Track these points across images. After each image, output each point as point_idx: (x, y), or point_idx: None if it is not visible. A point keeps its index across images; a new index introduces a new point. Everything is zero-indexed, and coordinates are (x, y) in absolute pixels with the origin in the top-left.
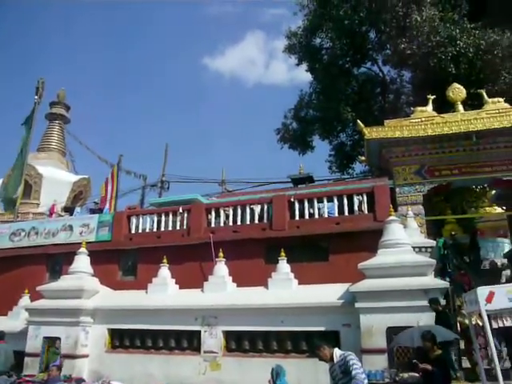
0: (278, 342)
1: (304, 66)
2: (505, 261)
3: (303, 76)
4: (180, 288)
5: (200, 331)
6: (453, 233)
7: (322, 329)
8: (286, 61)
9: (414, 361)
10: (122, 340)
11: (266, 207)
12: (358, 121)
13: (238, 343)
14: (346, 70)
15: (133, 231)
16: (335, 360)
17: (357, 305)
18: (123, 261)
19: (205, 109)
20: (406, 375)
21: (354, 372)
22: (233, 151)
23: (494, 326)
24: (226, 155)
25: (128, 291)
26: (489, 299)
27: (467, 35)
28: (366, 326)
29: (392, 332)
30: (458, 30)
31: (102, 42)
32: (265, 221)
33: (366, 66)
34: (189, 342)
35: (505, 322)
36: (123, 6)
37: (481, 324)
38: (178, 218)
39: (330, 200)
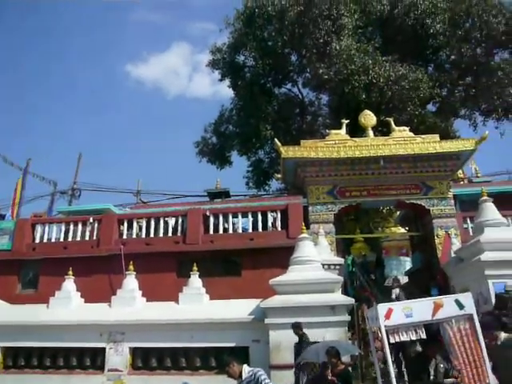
0: (186, 358)
1: (227, 82)
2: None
3: (225, 91)
4: (86, 302)
5: (105, 348)
6: (361, 251)
7: (232, 344)
8: (210, 75)
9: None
10: (16, 359)
11: (180, 220)
12: (276, 139)
13: (144, 360)
14: (267, 89)
15: (37, 240)
16: (243, 376)
17: (266, 321)
18: (24, 272)
19: (123, 116)
20: None
21: None
22: (150, 162)
23: (392, 340)
24: (143, 165)
25: (27, 305)
26: (387, 315)
27: (379, 66)
28: (275, 342)
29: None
30: (370, 61)
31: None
32: (179, 234)
33: (286, 86)
34: (92, 360)
35: (401, 336)
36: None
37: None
38: (88, 228)
39: (245, 216)
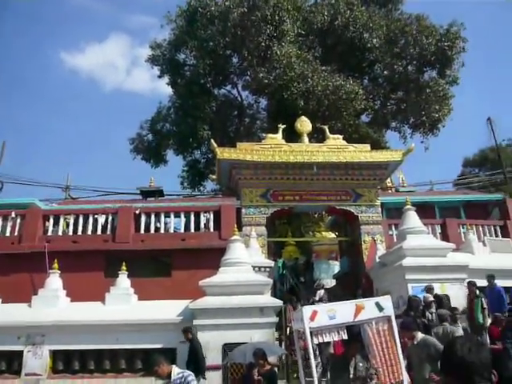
0: (111, 360)
1: (166, 79)
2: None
3: (164, 88)
4: (4, 303)
5: (23, 351)
6: (292, 255)
7: (159, 346)
8: (149, 71)
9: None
10: None
11: (110, 218)
12: (212, 140)
13: (66, 363)
14: (206, 89)
15: None
16: (172, 377)
17: (195, 322)
18: None
19: (54, 105)
20: None
21: None
22: (82, 156)
23: (315, 341)
24: (74, 160)
25: None
26: (312, 317)
27: (318, 75)
28: (203, 343)
29: (228, 348)
30: (310, 69)
31: None
32: (108, 232)
33: (226, 88)
34: (8, 364)
35: (324, 337)
36: None
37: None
38: (10, 224)
39: (178, 216)
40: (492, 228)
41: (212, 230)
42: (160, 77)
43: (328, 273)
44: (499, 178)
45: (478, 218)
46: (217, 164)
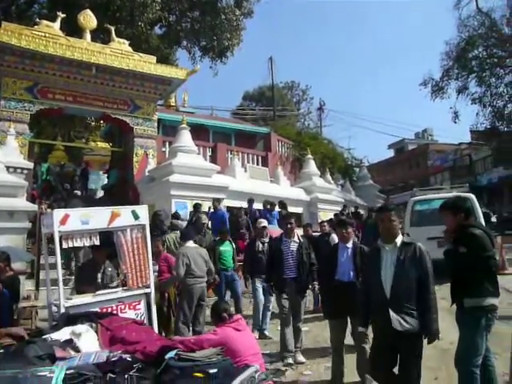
0: None
1: None
2: None
3: None
4: None
5: None
6: (60, 161)
7: None
8: None
9: None
10: None
11: None
12: None
13: None
14: None
15: None
16: None
17: None
18: None
19: None
20: None
21: None
22: None
23: (65, 245)
24: None
25: None
26: (63, 222)
27: None
28: None
29: None
30: None
31: None
32: None
33: None
34: None
35: (75, 242)
36: None
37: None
38: None
39: None
40: (255, 157)
41: None
42: None
43: (98, 183)
44: (270, 114)
45: (246, 147)
46: None
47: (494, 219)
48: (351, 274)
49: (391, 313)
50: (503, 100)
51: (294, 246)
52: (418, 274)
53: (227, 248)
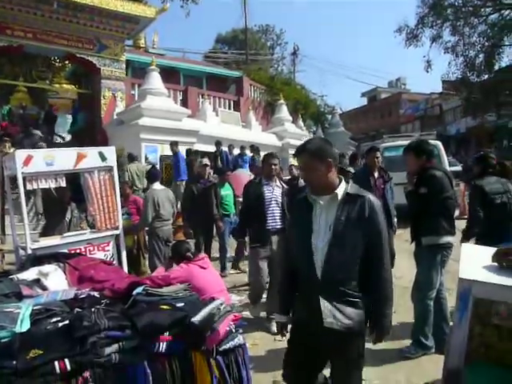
0: None
1: None
2: None
3: None
4: None
5: None
6: (23, 103)
7: None
8: None
9: None
10: None
11: None
12: None
13: None
14: None
15: None
16: None
17: None
18: None
19: None
20: None
21: None
22: None
23: (29, 187)
24: None
25: None
26: (26, 162)
27: None
28: None
29: None
30: None
31: None
32: None
33: None
34: None
35: (39, 184)
36: None
37: None
38: None
39: None
40: (227, 101)
41: None
42: None
43: (65, 127)
44: (242, 58)
45: (218, 91)
46: None
47: (459, 168)
48: None
49: (322, 301)
50: (475, 50)
51: (277, 191)
52: (367, 241)
53: (228, 192)
